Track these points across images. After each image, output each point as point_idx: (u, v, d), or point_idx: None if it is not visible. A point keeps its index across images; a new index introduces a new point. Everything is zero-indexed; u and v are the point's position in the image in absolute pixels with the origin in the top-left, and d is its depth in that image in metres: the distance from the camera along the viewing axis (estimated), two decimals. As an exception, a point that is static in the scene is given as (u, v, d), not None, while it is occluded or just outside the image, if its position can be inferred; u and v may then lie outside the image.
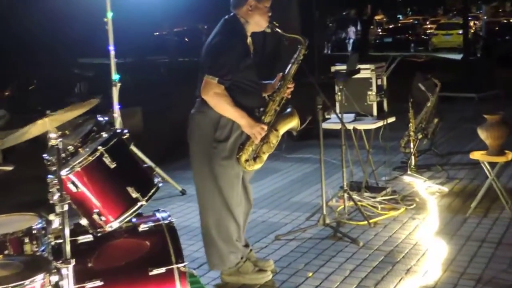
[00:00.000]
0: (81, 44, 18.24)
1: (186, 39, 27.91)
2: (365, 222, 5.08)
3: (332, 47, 31.06)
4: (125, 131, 3.08)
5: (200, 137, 3.71)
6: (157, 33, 31.66)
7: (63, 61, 14.77)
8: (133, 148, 5.96)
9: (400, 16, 44.95)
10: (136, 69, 15.99)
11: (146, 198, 3.00)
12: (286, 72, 3.86)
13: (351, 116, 5.67)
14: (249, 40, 3.79)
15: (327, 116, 5.65)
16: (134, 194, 2.97)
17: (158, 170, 6.27)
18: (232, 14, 3.78)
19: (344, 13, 40.32)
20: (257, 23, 3.77)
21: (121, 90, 5.89)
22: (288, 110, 3.89)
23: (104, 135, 3.06)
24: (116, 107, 5.89)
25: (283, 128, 3.86)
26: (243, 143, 3.74)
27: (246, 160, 3.74)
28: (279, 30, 3.78)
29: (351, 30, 31.12)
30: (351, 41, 30.65)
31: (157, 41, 26.41)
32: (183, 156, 8.15)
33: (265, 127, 3.73)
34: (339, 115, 5.17)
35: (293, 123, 3.87)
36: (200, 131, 3.71)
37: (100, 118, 3.29)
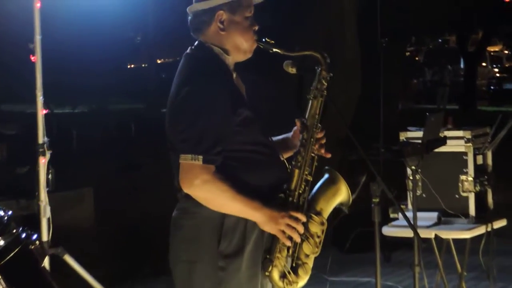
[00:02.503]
0: (7, 84, 18.66)
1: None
2: None
3: (415, 96, 31.26)
4: (35, 237, 3.08)
5: (196, 256, 3.64)
6: (132, 66, 32.36)
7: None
8: (68, 258, 6.12)
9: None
10: (90, 125, 16.24)
11: None
12: (306, 117, 3.80)
13: (433, 216, 5.65)
14: (235, 76, 3.77)
15: (392, 215, 5.61)
16: None
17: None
18: (196, 43, 3.77)
19: (439, 40, 40.78)
20: (238, 48, 3.74)
21: (61, 160, 5.92)
22: (326, 176, 3.81)
23: (1, 242, 3.06)
24: (43, 190, 5.91)
25: (327, 207, 3.76)
26: (269, 250, 3.67)
27: (283, 276, 3.65)
28: (279, 50, 3.76)
29: (448, 69, 31.41)
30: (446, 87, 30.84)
31: (129, 79, 26.91)
32: (155, 271, 8.28)
33: (298, 215, 3.67)
34: (411, 214, 5.13)
35: (341, 195, 3.78)
36: (193, 245, 3.65)
37: (1, 212, 3.30)
